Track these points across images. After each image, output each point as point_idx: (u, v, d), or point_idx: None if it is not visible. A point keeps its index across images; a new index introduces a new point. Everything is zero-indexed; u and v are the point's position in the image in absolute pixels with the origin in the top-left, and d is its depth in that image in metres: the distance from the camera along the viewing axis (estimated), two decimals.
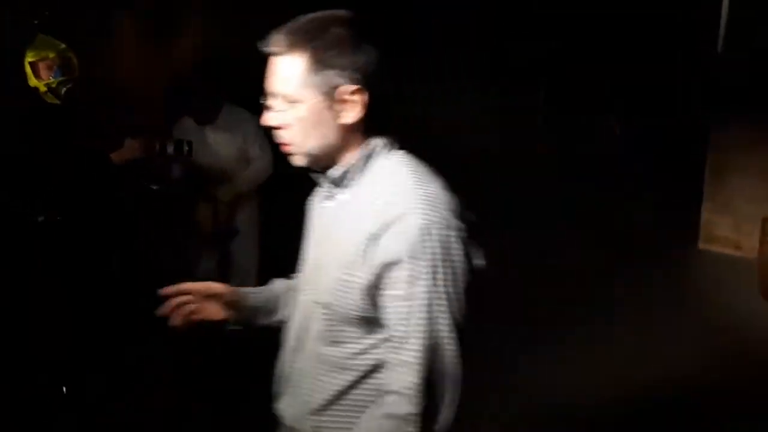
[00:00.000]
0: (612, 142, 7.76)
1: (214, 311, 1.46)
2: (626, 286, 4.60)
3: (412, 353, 1.22)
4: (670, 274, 4.99)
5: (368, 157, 1.29)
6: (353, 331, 1.29)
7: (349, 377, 1.31)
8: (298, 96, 1.24)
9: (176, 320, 1.42)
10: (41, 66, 2.94)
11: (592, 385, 3.41)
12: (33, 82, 2.96)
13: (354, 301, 1.25)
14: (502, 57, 6.77)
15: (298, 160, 1.31)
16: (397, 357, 1.23)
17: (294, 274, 1.53)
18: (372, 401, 1.29)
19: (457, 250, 1.22)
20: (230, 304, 1.47)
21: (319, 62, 1.21)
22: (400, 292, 1.21)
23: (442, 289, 1.21)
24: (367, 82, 1.23)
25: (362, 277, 1.23)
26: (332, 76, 1.22)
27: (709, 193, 5.54)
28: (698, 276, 5.35)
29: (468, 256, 1.26)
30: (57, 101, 2.96)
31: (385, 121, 1.30)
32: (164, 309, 1.42)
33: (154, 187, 3.35)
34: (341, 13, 1.26)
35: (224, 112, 3.67)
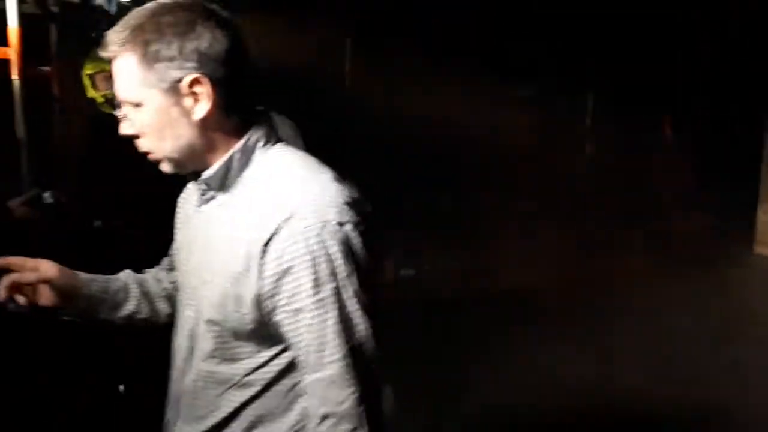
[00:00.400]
0: (663, 145, 7.58)
1: (44, 296, 1.28)
2: (680, 290, 4.51)
3: (335, 366, 1.09)
4: (724, 278, 4.86)
5: (244, 154, 1.15)
6: (248, 347, 1.16)
7: (247, 394, 1.19)
8: (139, 98, 1.11)
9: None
10: (98, 78, 3.07)
11: (645, 389, 3.37)
12: (91, 93, 3.10)
13: (245, 316, 1.12)
14: (551, 58, 6.71)
15: (166, 167, 1.17)
16: (318, 376, 1.11)
17: (147, 270, 1.43)
18: (276, 409, 1.19)
19: (357, 245, 1.09)
20: (64, 289, 1.29)
21: (150, 56, 1.07)
22: (303, 304, 1.08)
23: (350, 290, 1.09)
24: (208, 70, 1.08)
25: (252, 289, 1.09)
26: (166, 69, 1.08)
27: (764, 195, 5.37)
28: (753, 280, 5.19)
29: (371, 248, 1.14)
30: (113, 111, 3.10)
31: (253, 111, 1.17)
32: None
33: None
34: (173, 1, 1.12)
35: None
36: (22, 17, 2.45)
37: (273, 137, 1.18)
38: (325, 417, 1.12)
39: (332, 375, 1.10)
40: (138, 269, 1.43)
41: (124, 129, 1.16)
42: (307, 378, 1.12)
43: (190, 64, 1.07)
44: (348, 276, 1.08)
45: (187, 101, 1.09)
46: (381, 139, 4.72)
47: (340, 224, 1.08)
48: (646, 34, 7.07)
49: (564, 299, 4.35)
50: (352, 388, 1.10)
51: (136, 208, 3.08)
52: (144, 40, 1.07)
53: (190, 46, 1.07)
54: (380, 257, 1.20)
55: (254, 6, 4.41)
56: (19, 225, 2.24)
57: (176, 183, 1.27)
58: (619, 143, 7.19)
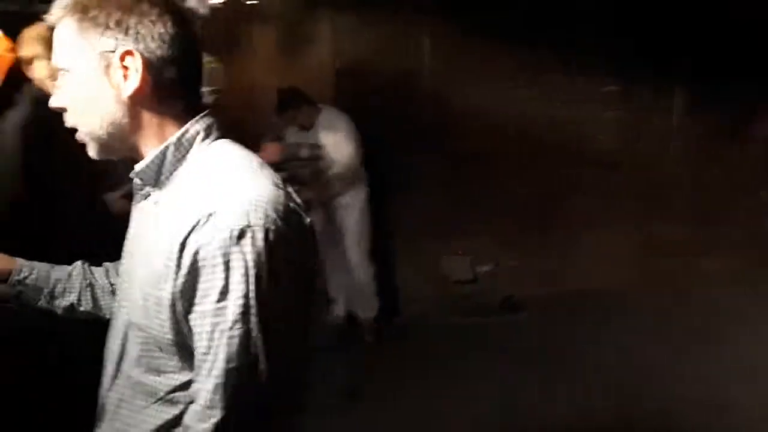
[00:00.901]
0: (752, 141, 7.16)
1: None
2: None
3: (209, 382, 1.00)
4: None
5: (180, 147, 1.08)
6: (173, 360, 1.08)
7: (173, 411, 1.09)
8: (70, 64, 1.07)
9: None
10: None
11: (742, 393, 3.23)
12: None
13: (164, 322, 1.04)
14: (638, 52, 6.48)
15: (92, 150, 1.12)
16: (195, 386, 1.03)
17: (108, 263, 1.40)
18: None
19: (280, 253, 0.99)
20: None
21: (86, 22, 1.04)
22: (207, 308, 0.99)
23: (259, 306, 0.98)
24: (143, 47, 1.04)
25: (169, 290, 1.02)
26: (100, 36, 1.04)
27: None
28: None
29: (303, 267, 1.06)
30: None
31: (196, 104, 1.10)
32: None
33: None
34: None
35: (322, 116, 3.90)
36: None
37: (215, 132, 1.11)
38: (186, 428, 1.04)
39: (205, 389, 1.01)
40: None
41: (53, 102, 1.11)
42: (193, 386, 1.04)
43: (124, 37, 1.04)
44: (260, 289, 0.98)
45: (116, 74, 1.05)
46: (459, 136, 4.69)
47: (265, 230, 0.98)
48: (737, 27, 6.69)
49: (656, 298, 4.23)
50: (216, 412, 1.00)
51: None
52: (84, 6, 1.05)
53: (130, 20, 1.04)
54: (311, 272, 1.10)
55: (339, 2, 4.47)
56: (117, 218, 2.34)
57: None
58: (710, 140, 6.85)
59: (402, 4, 4.40)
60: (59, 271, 1.36)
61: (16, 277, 1.31)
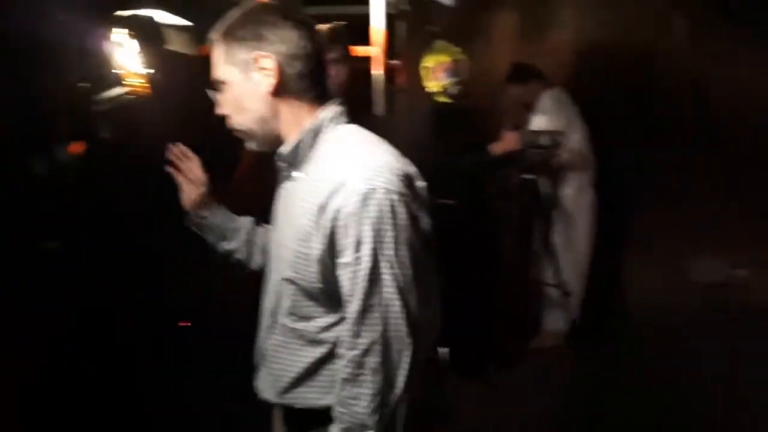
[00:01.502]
0: None
1: (188, 200, 1.60)
2: None
3: (353, 315, 1.23)
4: None
5: (315, 132, 1.32)
6: (320, 307, 1.32)
7: (321, 350, 1.33)
8: (223, 76, 1.33)
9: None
10: (437, 69, 3.34)
11: None
12: (428, 83, 3.39)
13: (313, 274, 1.28)
14: None
15: (249, 144, 1.38)
16: (346, 315, 1.25)
17: (265, 225, 1.59)
18: None
19: (402, 215, 1.22)
20: (201, 203, 1.60)
21: (230, 38, 1.31)
22: (348, 259, 1.22)
23: (387, 252, 1.21)
24: (275, 50, 1.29)
25: (317, 248, 1.25)
26: (240, 47, 1.30)
27: None
28: None
29: (417, 222, 1.25)
30: (449, 100, 3.34)
31: (324, 95, 1.33)
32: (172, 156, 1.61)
33: (527, 177, 3.52)
34: (259, 2, 1.35)
35: (546, 96, 3.69)
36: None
37: (342, 118, 1.35)
38: (341, 356, 1.27)
39: (351, 323, 1.23)
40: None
41: (218, 110, 1.37)
42: (343, 323, 1.27)
43: (259, 44, 1.29)
44: (387, 240, 1.21)
45: (256, 76, 1.30)
46: (713, 127, 4.25)
47: (387, 191, 1.21)
48: None
49: None
50: (362, 340, 1.22)
51: (465, 186, 3.31)
52: (229, 28, 1.32)
53: (263, 31, 1.29)
54: (427, 225, 1.29)
55: None
56: None
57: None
58: None
59: None
60: (233, 221, 1.65)
61: (205, 212, 1.63)
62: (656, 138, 4.08)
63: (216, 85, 1.36)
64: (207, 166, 1.62)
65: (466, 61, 3.33)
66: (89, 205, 1.93)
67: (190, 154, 1.63)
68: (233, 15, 1.34)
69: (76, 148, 1.81)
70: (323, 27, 2.53)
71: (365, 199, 1.20)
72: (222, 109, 1.38)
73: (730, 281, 4.30)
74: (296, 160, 1.34)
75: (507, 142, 3.33)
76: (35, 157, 1.59)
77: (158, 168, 1.63)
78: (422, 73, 3.38)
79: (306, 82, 1.32)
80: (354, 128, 1.35)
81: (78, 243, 1.93)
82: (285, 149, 1.35)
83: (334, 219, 1.22)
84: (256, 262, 1.64)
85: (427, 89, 3.38)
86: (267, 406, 1.47)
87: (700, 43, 4.25)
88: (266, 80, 1.30)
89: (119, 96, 2.03)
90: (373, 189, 1.21)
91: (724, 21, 4.07)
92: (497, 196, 3.54)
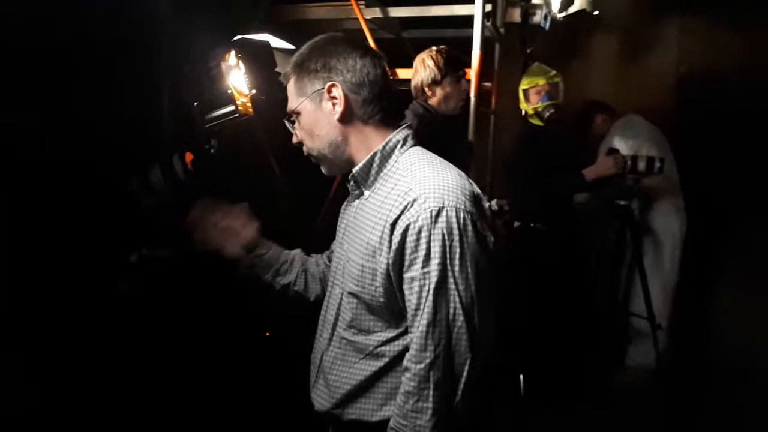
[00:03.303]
0: None
1: (232, 246, 1.60)
2: None
3: (420, 329, 1.25)
4: None
5: (384, 154, 1.37)
6: (380, 321, 1.34)
7: (379, 364, 1.35)
8: (297, 107, 1.39)
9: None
10: (531, 92, 3.31)
11: None
12: (523, 105, 3.37)
13: (378, 288, 1.30)
14: None
15: (325, 170, 1.44)
16: (412, 329, 1.27)
17: (315, 255, 1.65)
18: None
19: (471, 233, 1.25)
20: (249, 246, 1.61)
21: (302, 71, 1.38)
22: (415, 274, 1.25)
23: (455, 269, 1.24)
24: (342, 80, 1.35)
25: (383, 262, 1.28)
26: (311, 79, 1.37)
27: None
28: None
29: (485, 240, 1.28)
30: (541, 123, 3.30)
31: (392, 120, 1.38)
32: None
33: (622, 203, 3.42)
34: (327, 34, 1.41)
35: (619, 123, 3.66)
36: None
37: (410, 141, 1.40)
38: (406, 369, 1.28)
39: (417, 337, 1.25)
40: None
41: (294, 139, 1.44)
42: (409, 336, 1.29)
43: (328, 75, 1.35)
44: (455, 256, 1.24)
45: (327, 105, 1.36)
46: None
47: (456, 209, 1.25)
48: None
49: None
50: (428, 354, 1.24)
51: (557, 210, 3.26)
52: (300, 61, 1.39)
53: (331, 62, 1.36)
54: (492, 244, 1.30)
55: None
56: None
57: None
58: None
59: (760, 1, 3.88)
60: (286, 255, 1.66)
61: (259, 252, 1.64)
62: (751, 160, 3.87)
63: (291, 116, 1.43)
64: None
65: (560, 83, 3.29)
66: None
67: (232, 208, 1.65)
68: (304, 49, 1.41)
69: (188, 159, 1.94)
70: (439, 51, 2.61)
71: (436, 215, 1.24)
72: (295, 140, 1.45)
73: None
74: (366, 180, 1.40)
75: (602, 166, 3.26)
76: (155, 170, 1.71)
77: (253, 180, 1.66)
78: (520, 95, 3.37)
79: (372, 107, 1.38)
80: (421, 150, 1.40)
81: (184, 252, 2.05)
82: (356, 169, 1.40)
83: (404, 234, 1.26)
84: (314, 291, 1.66)
85: (522, 112, 3.37)
86: (322, 422, 1.47)
87: None
88: (335, 109, 1.36)
89: (227, 114, 2.15)
90: (443, 206, 1.25)
91: None
92: (590, 222, 3.46)
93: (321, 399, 1.45)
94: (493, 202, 2.41)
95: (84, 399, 1.91)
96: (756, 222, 3.89)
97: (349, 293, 1.38)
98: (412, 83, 2.66)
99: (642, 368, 3.63)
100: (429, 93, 2.61)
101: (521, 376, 3.34)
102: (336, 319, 1.44)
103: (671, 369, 3.60)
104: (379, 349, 1.36)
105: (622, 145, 3.59)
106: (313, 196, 2.75)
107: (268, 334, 2.38)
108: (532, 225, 3.28)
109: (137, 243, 1.86)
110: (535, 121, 3.33)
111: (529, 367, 3.32)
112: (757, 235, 3.91)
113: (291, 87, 1.41)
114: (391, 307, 1.32)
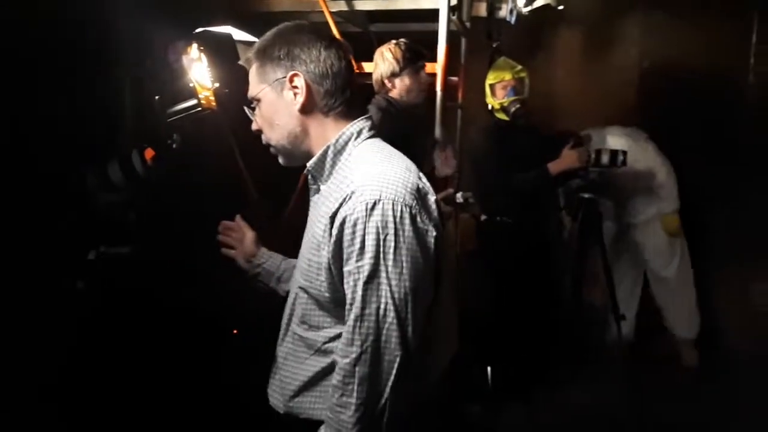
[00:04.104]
0: None
1: (240, 257, 1.65)
2: None
3: (349, 323, 1.23)
4: None
5: (337, 147, 1.35)
6: (329, 317, 1.33)
7: (327, 360, 1.33)
8: (258, 94, 1.37)
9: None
10: (498, 87, 3.33)
11: None
12: (489, 100, 3.39)
13: (323, 283, 1.29)
14: None
15: (282, 161, 1.42)
16: (346, 323, 1.25)
17: None
18: None
19: (408, 227, 1.22)
20: (248, 257, 1.64)
21: (265, 58, 1.35)
22: (351, 267, 1.23)
23: (388, 263, 1.21)
24: (305, 70, 1.32)
25: (326, 256, 1.27)
26: (274, 67, 1.34)
27: None
28: None
29: (426, 235, 1.24)
30: (506, 118, 3.32)
31: (352, 112, 1.35)
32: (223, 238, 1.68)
33: (586, 196, 3.47)
34: (293, 22, 1.39)
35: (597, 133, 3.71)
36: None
37: (366, 133, 1.36)
38: (335, 363, 1.28)
39: (346, 331, 1.24)
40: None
41: (253, 126, 1.42)
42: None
43: (291, 64, 1.33)
44: (389, 250, 1.21)
45: (288, 94, 1.34)
46: None
47: (393, 202, 1.22)
48: None
49: None
50: (354, 348, 1.22)
51: (523, 204, 3.29)
52: (264, 47, 1.36)
53: (295, 51, 1.33)
54: (436, 239, 1.27)
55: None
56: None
57: None
58: None
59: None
60: (287, 262, 1.66)
61: (258, 261, 1.66)
62: (730, 160, 3.97)
63: (252, 103, 1.40)
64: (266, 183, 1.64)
65: (525, 78, 3.31)
66: (160, 210, 2.02)
67: (231, 223, 1.69)
68: (267, 35, 1.38)
69: (149, 156, 1.91)
70: (398, 44, 2.62)
71: (371, 208, 1.22)
72: (255, 126, 1.42)
73: None
74: (322, 174, 1.37)
75: (566, 160, 3.30)
76: (113, 166, 1.68)
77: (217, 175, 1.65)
78: (486, 89, 3.38)
79: (334, 100, 1.35)
80: (376, 143, 1.37)
81: (144, 248, 2.01)
82: (311, 162, 1.38)
83: (341, 227, 1.24)
84: None
85: (488, 106, 3.38)
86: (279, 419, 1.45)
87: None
88: (296, 99, 1.34)
89: (190, 108, 2.12)
90: (380, 199, 1.22)
91: None
92: (555, 215, 3.50)
93: (275, 394, 1.44)
94: (459, 195, 2.42)
95: (38, 398, 1.87)
96: (717, 214, 4.00)
97: (300, 288, 1.38)
98: (373, 77, 2.69)
99: (607, 357, 3.71)
100: (389, 85, 2.64)
101: (489, 368, 3.39)
102: (291, 315, 1.43)
103: (634, 357, 3.69)
104: (327, 345, 1.35)
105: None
106: (281, 191, 2.72)
107: (236, 331, 2.36)
108: (498, 218, 3.31)
109: (96, 240, 1.82)
110: (501, 116, 3.34)
111: (496, 358, 3.37)
112: (718, 227, 4.03)
113: (253, 73, 1.39)
114: (336, 302, 1.30)
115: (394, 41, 2.67)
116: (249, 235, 1.67)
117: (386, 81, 2.64)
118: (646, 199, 3.78)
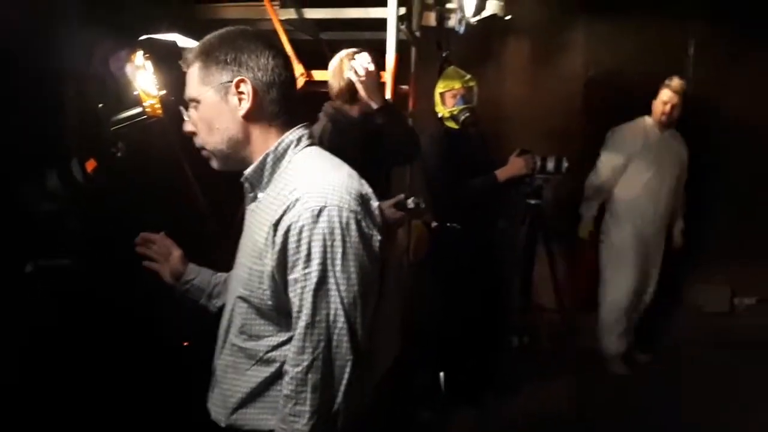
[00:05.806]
0: None
1: (164, 274, 1.62)
2: None
3: (298, 331, 1.23)
4: None
5: (277, 155, 1.34)
6: (270, 325, 1.32)
7: (270, 370, 1.32)
8: (198, 95, 1.33)
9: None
10: (447, 95, 3.38)
11: None
12: (439, 108, 3.43)
13: (266, 291, 1.28)
14: None
15: (215, 163, 1.39)
16: (294, 332, 1.25)
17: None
18: None
19: (354, 233, 1.23)
20: (174, 274, 1.62)
21: (210, 60, 1.32)
22: (297, 275, 1.23)
23: (336, 269, 1.22)
24: (252, 76, 1.31)
25: (269, 264, 1.26)
26: (220, 71, 1.31)
27: None
28: None
29: (371, 240, 1.25)
30: (456, 126, 3.37)
31: (294, 121, 1.35)
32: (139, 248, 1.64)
33: (533, 202, 3.55)
34: (237, 27, 1.37)
35: None
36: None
37: (305, 141, 1.36)
38: (285, 373, 1.26)
39: (296, 339, 1.24)
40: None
41: (186, 127, 1.40)
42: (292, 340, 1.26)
43: (238, 69, 1.31)
44: (336, 256, 1.22)
45: (233, 99, 1.32)
46: (725, 154, 4.26)
47: (339, 209, 1.22)
48: None
49: None
50: (306, 356, 1.22)
51: (470, 210, 3.35)
52: (210, 49, 1.33)
53: (243, 57, 1.31)
54: (379, 244, 1.28)
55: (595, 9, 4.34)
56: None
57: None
58: None
59: (664, 7, 4.11)
60: (217, 278, 1.65)
61: (186, 278, 1.63)
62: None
63: (188, 103, 1.38)
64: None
65: (474, 87, 3.37)
66: (102, 221, 1.99)
67: (153, 236, 1.66)
68: (212, 37, 1.35)
69: (91, 166, 1.88)
70: (349, 52, 2.59)
71: (317, 214, 1.22)
72: (191, 127, 1.39)
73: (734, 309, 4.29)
74: (260, 181, 1.36)
75: (514, 167, 3.38)
76: (52, 175, 1.64)
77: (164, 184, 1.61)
78: (436, 98, 3.42)
79: (279, 108, 1.34)
80: (316, 150, 1.37)
81: (88, 259, 1.98)
82: (249, 170, 1.36)
83: (286, 234, 1.23)
84: None
85: (438, 115, 3.42)
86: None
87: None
88: (242, 105, 1.32)
89: (135, 116, 2.09)
90: (326, 206, 1.22)
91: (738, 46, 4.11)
92: (502, 221, 3.57)
93: (216, 407, 1.42)
94: (410, 201, 2.44)
95: None
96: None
97: (239, 297, 1.36)
98: (333, 87, 2.62)
99: (556, 358, 3.80)
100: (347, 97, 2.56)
101: (441, 374, 3.42)
102: (229, 326, 1.41)
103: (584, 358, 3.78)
104: (269, 354, 1.33)
105: None
106: (226, 200, 2.70)
107: (186, 343, 2.33)
108: (448, 224, 3.35)
109: (34, 252, 1.77)
110: (451, 124, 3.39)
111: (447, 363, 3.40)
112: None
113: (193, 74, 1.35)
114: (279, 310, 1.30)
115: (347, 51, 2.61)
116: (176, 253, 1.64)
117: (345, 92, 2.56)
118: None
